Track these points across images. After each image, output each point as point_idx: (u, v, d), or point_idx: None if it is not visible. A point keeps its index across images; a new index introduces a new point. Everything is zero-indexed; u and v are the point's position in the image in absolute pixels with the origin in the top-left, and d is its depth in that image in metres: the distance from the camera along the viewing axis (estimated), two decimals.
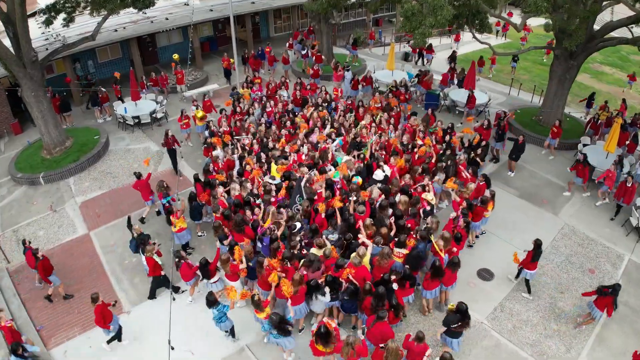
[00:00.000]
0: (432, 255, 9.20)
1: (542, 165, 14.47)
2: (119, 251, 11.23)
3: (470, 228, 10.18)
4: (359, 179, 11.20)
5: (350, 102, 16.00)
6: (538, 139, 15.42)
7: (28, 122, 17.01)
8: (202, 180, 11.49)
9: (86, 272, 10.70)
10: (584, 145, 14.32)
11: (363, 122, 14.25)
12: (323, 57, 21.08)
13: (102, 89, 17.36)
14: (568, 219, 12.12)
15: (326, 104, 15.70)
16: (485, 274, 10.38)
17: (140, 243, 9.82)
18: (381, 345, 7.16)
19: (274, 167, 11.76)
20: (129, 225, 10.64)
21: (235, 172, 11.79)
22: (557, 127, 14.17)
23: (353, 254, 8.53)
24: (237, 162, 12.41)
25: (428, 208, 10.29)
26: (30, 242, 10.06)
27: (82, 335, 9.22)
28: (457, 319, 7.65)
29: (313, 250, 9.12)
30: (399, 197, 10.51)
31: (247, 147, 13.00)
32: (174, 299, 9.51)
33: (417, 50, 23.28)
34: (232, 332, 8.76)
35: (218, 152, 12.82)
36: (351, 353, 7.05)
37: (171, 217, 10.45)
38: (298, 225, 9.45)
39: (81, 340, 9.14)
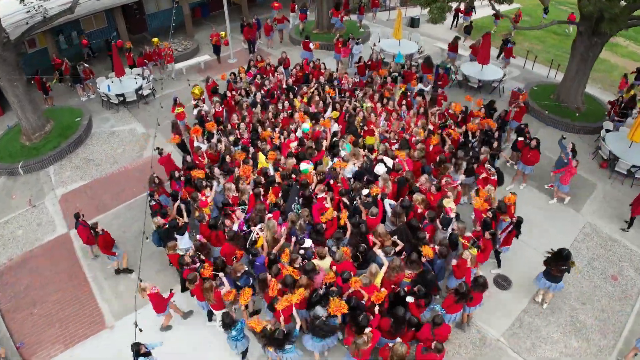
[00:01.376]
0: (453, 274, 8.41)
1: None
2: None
3: (497, 237, 9.10)
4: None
5: (357, 80, 14.47)
6: (556, 121, 14.26)
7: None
8: (177, 176, 10.37)
9: (67, 279, 9.84)
10: (607, 130, 13.17)
11: (370, 104, 12.89)
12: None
13: (85, 64, 15.91)
14: (590, 216, 11.20)
15: (329, 83, 14.27)
16: (502, 282, 9.57)
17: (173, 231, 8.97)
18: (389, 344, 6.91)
19: (262, 157, 10.56)
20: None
21: (217, 170, 10.42)
22: (521, 106, 12.55)
23: (363, 275, 7.62)
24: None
25: (452, 215, 9.11)
26: (83, 216, 9.58)
27: (66, 353, 8.48)
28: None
29: (314, 261, 8.21)
30: (414, 197, 9.37)
31: (237, 136, 11.67)
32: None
33: (454, 11, 21.10)
34: (244, 355, 7.98)
35: (198, 143, 11.48)
36: (355, 352, 6.84)
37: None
38: (308, 242, 8.42)
39: (64, 358, 8.41)
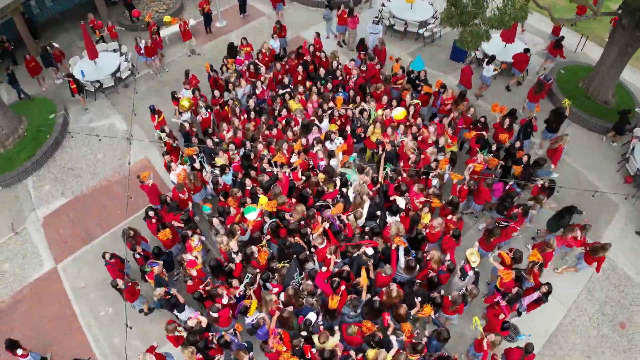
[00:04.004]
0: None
1: (587, 161, 12.11)
2: (91, 297, 9.73)
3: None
4: None
5: (364, 67, 12.37)
6: (583, 120, 12.82)
7: None
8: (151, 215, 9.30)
9: (60, 327, 9.37)
10: (638, 138, 11.88)
11: (380, 112, 11.07)
12: None
13: (55, 44, 13.94)
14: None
15: (330, 77, 12.20)
16: (509, 332, 9.19)
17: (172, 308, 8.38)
18: None
19: (263, 199, 9.09)
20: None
21: (215, 220, 9.01)
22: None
23: None
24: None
25: (471, 274, 8.48)
26: (111, 257, 8.87)
27: None
28: None
29: (315, 339, 7.74)
30: (431, 254, 8.56)
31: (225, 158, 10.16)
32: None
33: None
34: None
35: (176, 169, 10.12)
36: None
37: (147, 277, 8.79)
38: (313, 318, 7.70)
39: None
